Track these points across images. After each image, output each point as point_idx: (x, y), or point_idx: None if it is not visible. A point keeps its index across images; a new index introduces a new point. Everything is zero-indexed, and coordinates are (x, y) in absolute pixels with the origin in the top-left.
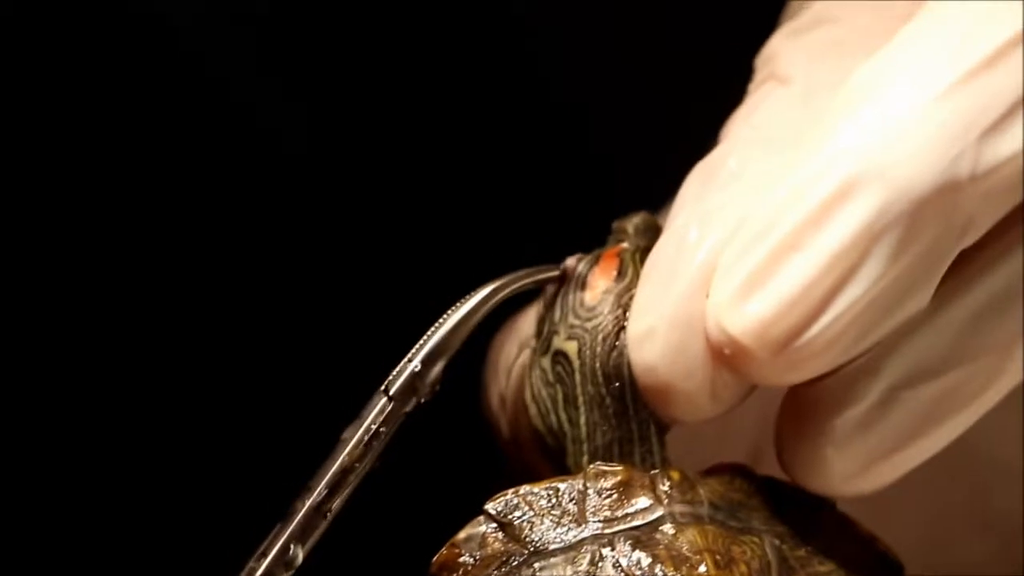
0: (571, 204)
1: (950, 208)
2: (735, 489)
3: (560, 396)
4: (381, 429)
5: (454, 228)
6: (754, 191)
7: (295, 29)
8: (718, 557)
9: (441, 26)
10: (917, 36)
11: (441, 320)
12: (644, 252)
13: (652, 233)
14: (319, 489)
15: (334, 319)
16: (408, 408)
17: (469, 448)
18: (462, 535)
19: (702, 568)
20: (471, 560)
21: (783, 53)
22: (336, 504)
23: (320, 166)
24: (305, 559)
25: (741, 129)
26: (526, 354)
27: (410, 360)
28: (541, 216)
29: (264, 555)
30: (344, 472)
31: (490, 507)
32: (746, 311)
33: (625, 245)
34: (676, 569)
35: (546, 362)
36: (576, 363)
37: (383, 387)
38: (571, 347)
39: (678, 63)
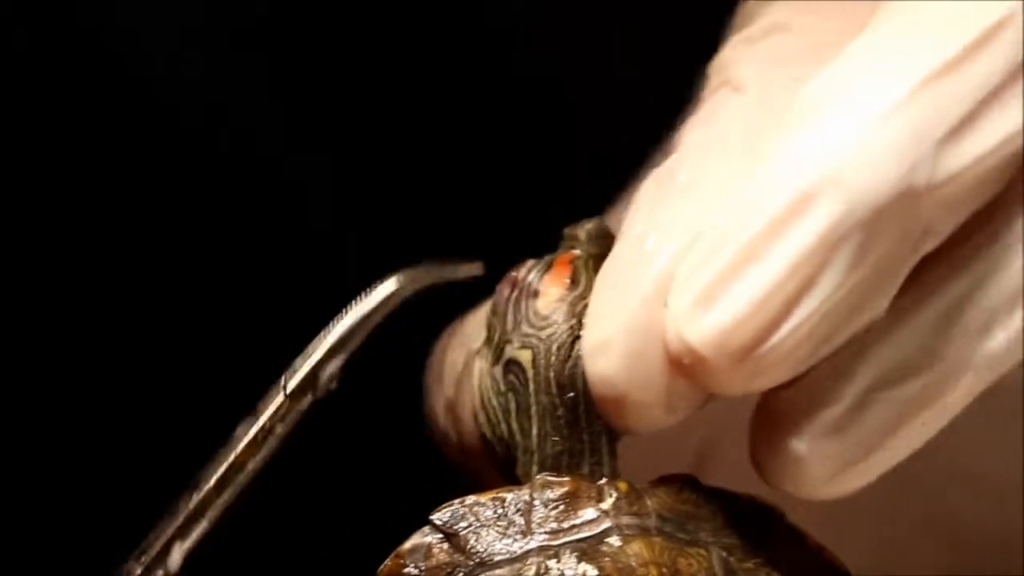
0: (562, 207)
1: (908, 216)
2: (684, 500)
3: (512, 405)
4: (276, 426)
5: (445, 228)
6: (712, 200)
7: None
8: (664, 569)
9: (435, 36)
10: (872, 44)
11: (340, 315)
12: (597, 259)
13: (605, 240)
14: (205, 487)
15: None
16: (303, 406)
17: (416, 457)
18: (407, 546)
19: None
20: (415, 571)
21: (737, 61)
22: (222, 501)
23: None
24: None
25: (695, 136)
26: (477, 362)
27: (307, 357)
28: (524, 219)
29: (143, 553)
30: (233, 469)
31: (436, 517)
32: (705, 321)
33: (577, 252)
34: None
35: (498, 371)
36: (530, 372)
37: (280, 383)
38: (525, 356)
39: (674, 66)
